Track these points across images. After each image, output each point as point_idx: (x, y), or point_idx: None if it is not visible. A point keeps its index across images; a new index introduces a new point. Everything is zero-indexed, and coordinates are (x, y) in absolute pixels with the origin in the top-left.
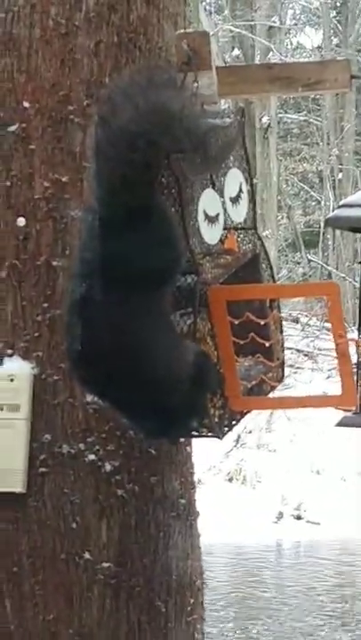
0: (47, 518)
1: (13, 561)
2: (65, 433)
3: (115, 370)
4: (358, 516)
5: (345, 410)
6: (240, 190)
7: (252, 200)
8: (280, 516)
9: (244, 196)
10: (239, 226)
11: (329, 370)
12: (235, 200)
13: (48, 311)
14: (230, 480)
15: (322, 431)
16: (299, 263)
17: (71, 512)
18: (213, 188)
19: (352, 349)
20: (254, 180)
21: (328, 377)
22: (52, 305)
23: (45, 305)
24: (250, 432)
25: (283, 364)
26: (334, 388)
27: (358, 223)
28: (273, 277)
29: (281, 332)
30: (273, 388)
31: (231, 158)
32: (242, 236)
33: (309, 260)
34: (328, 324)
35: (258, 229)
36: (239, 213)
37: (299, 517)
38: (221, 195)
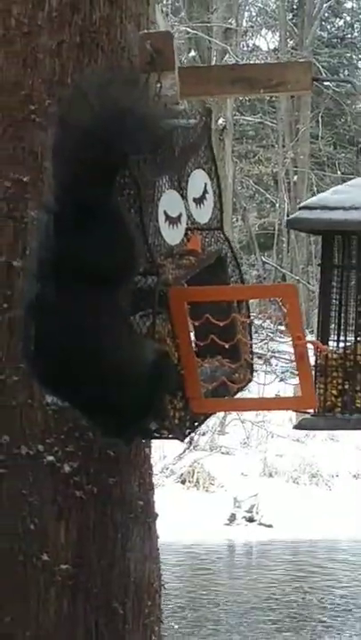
0: (5, 519)
1: None
2: (24, 434)
3: (71, 369)
4: (310, 519)
5: (300, 412)
6: (205, 191)
7: (219, 201)
8: (232, 518)
9: (210, 196)
10: (205, 227)
11: (282, 372)
12: (199, 201)
13: (7, 312)
14: (183, 482)
15: (275, 434)
16: (253, 265)
17: (29, 513)
18: (178, 188)
19: (310, 352)
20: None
21: (281, 380)
22: (12, 305)
23: (5, 305)
24: (203, 434)
25: (251, 365)
26: (288, 390)
27: (318, 225)
28: (242, 279)
29: (249, 333)
30: (239, 390)
31: (196, 159)
32: (208, 237)
33: (264, 263)
34: (282, 327)
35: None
36: (203, 214)
37: (251, 520)
38: (185, 195)
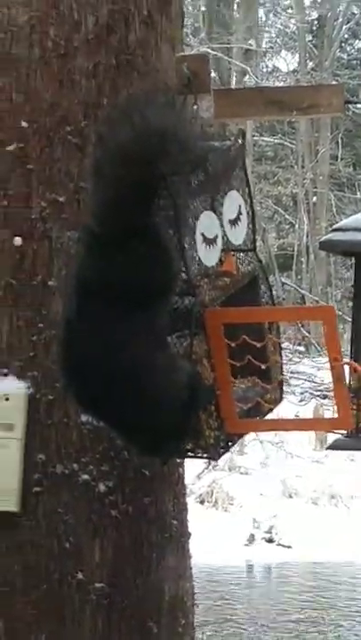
0: (40, 538)
1: (6, 580)
2: (59, 453)
3: (107, 390)
4: (329, 540)
5: (331, 432)
6: (239, 212)
7: (252, 222)
8: (251, 539)
9: (244, 218)
10: (239, 248)
11: (301, 393)
12: (234, 222)
13: (43, 331)
14: (202, 502)
15: (294, 454)
16: (272, 286)
17: (64, 532)
18: (212, 209)
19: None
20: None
21: (301, 400)
22: (48, 325)
23: (41, 325)
24: None
25: (281, 385)
26: (306, 411)
27: (351, 248)
28: (272, 300)
29: (280, 353)
30: (271, 410)
31: (231, 180)
32: (241, 258)
33: (283, 283)
34: (300, 348)
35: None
36: (238, 235)
37: (270, 540)
38: (220, 217)
